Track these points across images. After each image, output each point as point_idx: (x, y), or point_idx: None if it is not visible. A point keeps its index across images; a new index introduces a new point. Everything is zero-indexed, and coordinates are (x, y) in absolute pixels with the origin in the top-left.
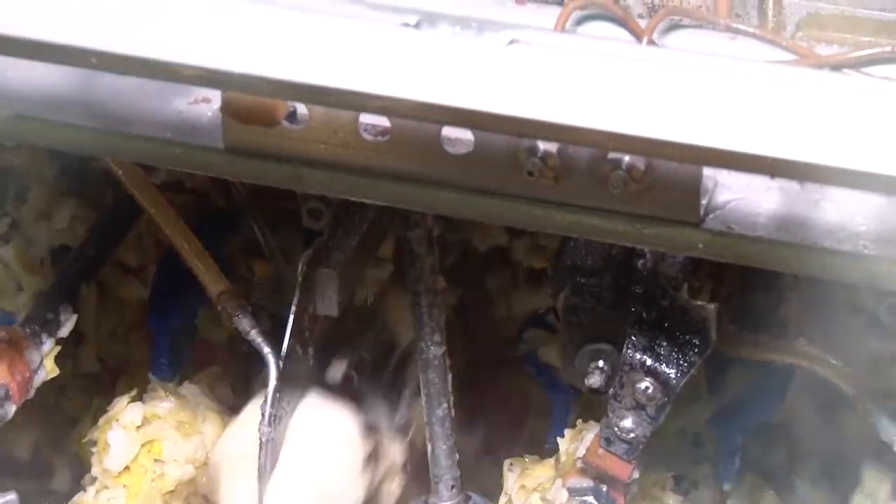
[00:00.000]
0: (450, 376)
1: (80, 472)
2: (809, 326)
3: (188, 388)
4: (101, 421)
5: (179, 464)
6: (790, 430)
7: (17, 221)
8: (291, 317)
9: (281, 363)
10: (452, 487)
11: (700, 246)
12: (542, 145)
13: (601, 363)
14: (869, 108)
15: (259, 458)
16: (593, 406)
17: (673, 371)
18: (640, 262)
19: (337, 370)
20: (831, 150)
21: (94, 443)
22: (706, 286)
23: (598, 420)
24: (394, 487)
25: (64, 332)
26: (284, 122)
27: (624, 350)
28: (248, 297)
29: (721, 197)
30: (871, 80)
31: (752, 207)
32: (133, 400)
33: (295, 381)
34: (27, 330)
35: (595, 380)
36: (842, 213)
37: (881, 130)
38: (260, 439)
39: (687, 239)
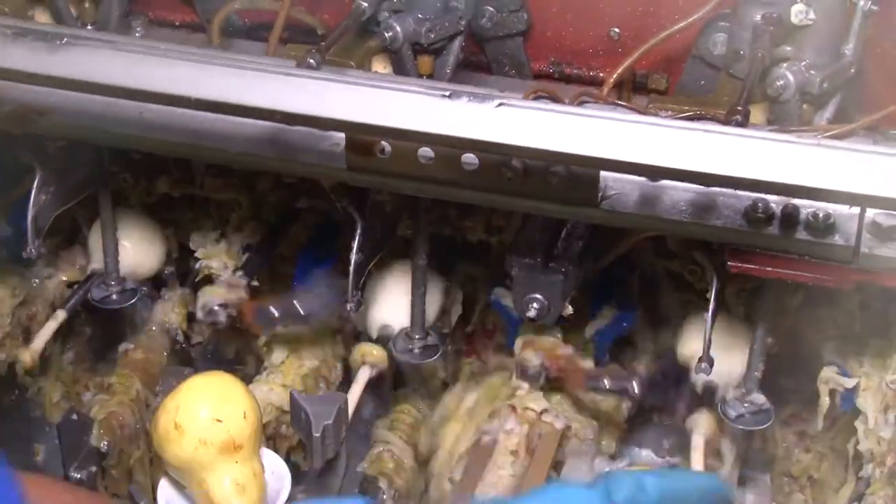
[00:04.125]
0: None
1: (259, 366)
2: None
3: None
4: (269, 338)
5: (309, 359)
6: None
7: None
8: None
9: (364, 224)
10: None
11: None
12: (514, 162)
13: (535, 304)
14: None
15: (349, 283)
16: (528, 329)
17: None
18: (556, 250)
19: None
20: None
21: (267, 348)
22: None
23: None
24: None
25: None
26: (378, 154)
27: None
28: None
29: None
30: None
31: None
32: None
33: (371, 243)
34: None
35: (532, 313)
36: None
37: None
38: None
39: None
